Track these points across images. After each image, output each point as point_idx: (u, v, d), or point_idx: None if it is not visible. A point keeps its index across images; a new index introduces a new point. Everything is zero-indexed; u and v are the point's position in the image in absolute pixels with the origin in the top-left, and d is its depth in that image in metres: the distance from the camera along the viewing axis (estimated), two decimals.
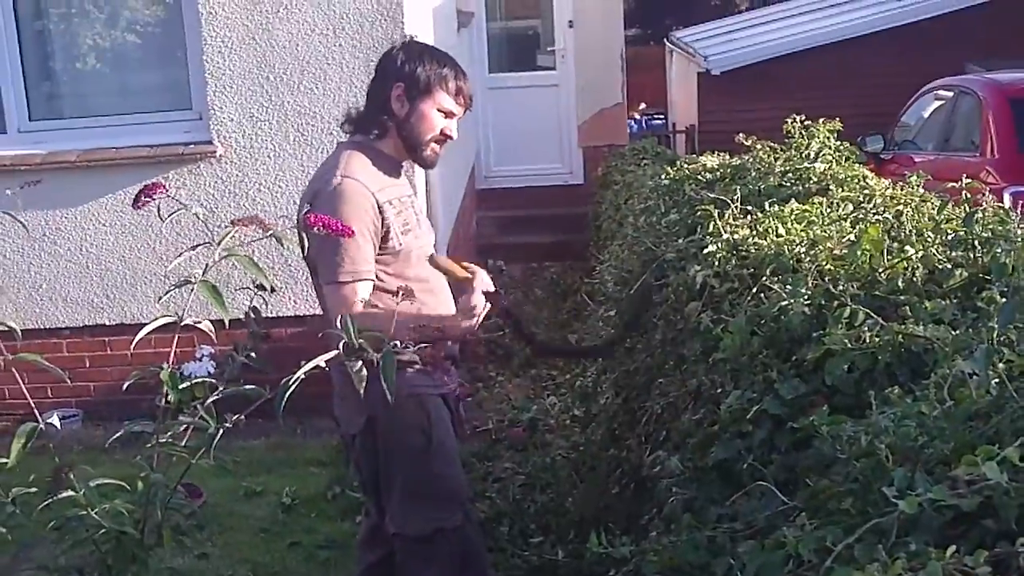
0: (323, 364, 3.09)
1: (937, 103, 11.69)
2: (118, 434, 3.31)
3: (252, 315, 3.31)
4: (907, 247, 3.03)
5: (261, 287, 3.19)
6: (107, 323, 7.69)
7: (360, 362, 2.98)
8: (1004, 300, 2.40)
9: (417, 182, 7.09)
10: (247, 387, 3.12)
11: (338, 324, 3.20)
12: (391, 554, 3.99)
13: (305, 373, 2.97)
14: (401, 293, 3.46)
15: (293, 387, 2.93)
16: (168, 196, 3.05)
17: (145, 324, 3.19)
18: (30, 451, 3.04)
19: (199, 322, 3.17)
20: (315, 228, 3.16)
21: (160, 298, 3.25)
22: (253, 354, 3.33)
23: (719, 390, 2.99)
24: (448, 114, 3.87)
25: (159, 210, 3.06)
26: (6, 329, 3.22)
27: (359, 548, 4.38)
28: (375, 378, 3.29)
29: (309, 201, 3.71)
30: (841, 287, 2.79)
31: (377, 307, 3.65)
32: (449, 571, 3.87)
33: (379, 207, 3.70)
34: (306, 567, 5.40)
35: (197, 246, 3.03)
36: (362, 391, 2.91)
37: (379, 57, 4.01)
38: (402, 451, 3.81)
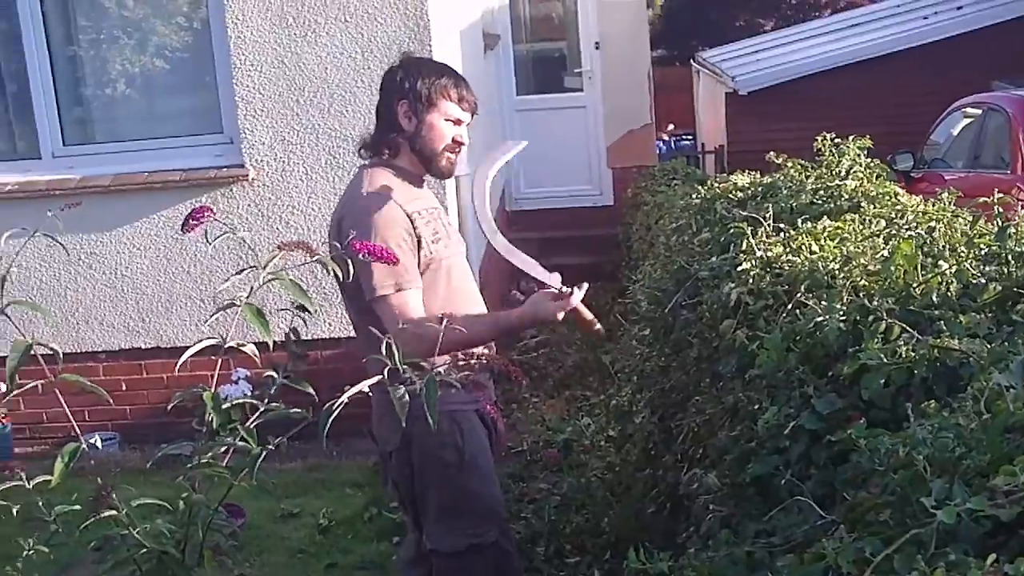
0: (366, 389, 3.12)
1: (966, 120, 11.66)
2: (159, 454, 3.36)
3: (292, 336, 3.33)
4: (940, 262, 3.04)
5: (302, 308, 3.21)
6: (143, 346, 7.77)
7: (403, 387, 3.00)
8: None
9: (450, 204, 7.14)
10: (292, 410, 3.15)
11: (396, 336, 3.22)
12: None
13: (349, 398, 3.00)
14: (442, 318, 3.50)
15: (337, 411, 2.96)
16: (215, 220, 3.08)
17: (181, 347, 3.24)
18: (70, 474, 3.08)
19: (243, 345, 3.19)
20: (360, 255, 3.20)
21: (207, 320, 3.27)
22: (292, 375, 3.36)
23: (756, 407, 3.00)
24: (456, 121, 3.92)
25: (206, 234, 3.10)
26: (45, 352, 3.25)
27: (405, 565, 4.39)
28: (411, 395, 3.33)
29: (339, 222, 3.78)
30: (876, 302, 2.80)
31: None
32: None
33: (409, 217, 3.75)
34: None
35: (243, 270, 3.06)
36: (404, 418, 2.93)
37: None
38: (436, 468, 3.84)
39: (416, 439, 3.75)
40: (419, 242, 3.75)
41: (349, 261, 3.17)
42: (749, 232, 3.92)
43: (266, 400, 3.21)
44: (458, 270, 3.96)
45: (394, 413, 2.98)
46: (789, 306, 3.22)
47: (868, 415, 2.43)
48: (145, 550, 3.14)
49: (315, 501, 6.54)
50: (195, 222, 3.04)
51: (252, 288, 3.02)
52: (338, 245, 3.26)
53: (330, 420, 2.88)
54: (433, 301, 3.78)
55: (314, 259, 3.01)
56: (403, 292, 3.69)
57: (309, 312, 3.27)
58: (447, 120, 3.89)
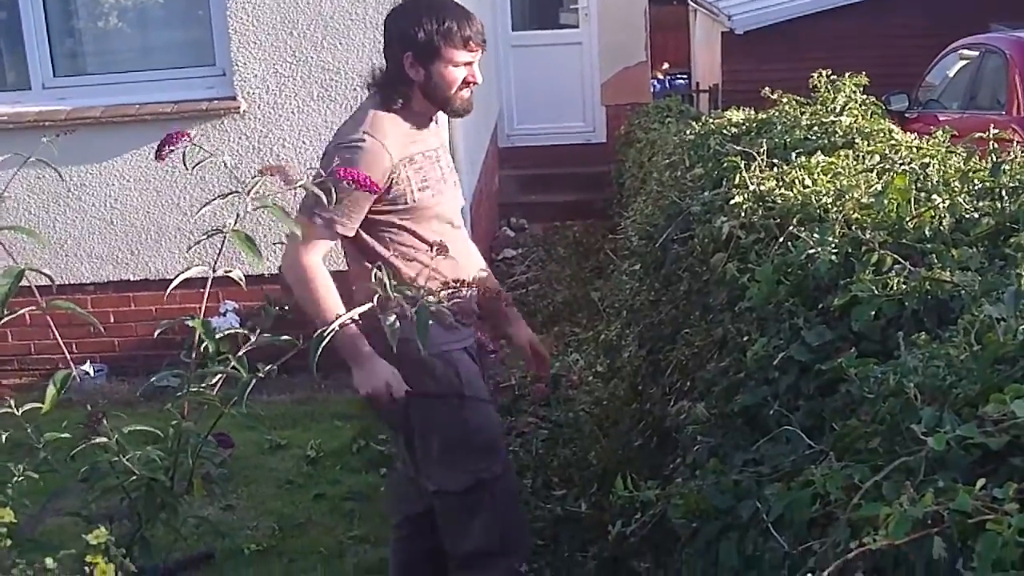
0: (356, 318, 3.11)
1: (962, 62, 11.61)
2: (147, 385, 3.35)
3: None
4: (934, 196, 3.03)
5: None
6: (131, 279, 7.75)
7: (394, 316, 2.99)
8: None
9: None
10: (281, 337, 3.14)
11: (295, 264, 3.30)
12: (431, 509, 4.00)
13: (340, 325, 2.98)
14: (436, 248, 3.48)
15: (328, 339, 2.95)
16: (193, 144, 3.05)
17: (170, 280, 3.20)
18: (58, 404, 3.06)
19: (230, 271, 3.17)
20: (344, 181, 3.18)
21: (191, 247, 3.26)
22: (286, 307, 3.35)
23: (745, 338, 2.99)
24: (466, 64, 3.78)
25: (184, 159, 3.06)
26: (36, 282, 3.23)
27: (397, 503, 4.38)
28: (400, 339, 3.31)
29: (329, 151, 3.71)
30: (868, 235, 2.79)
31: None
32: (491, 521, 3.88)
33: (393, 166, 3.68)
34: (331, 519, 5.45)
35: (227, 194, 3.02)
36: (394, 344, 2.92)
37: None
38: (436, 409, 3.81)
39: (410, 380, 3.68)
40: (390, 189, 3.67)
41: (332, 189, 3.14)
42: (742, 166, 3.91)
43: (257, 331, 3.21)
44: (444, 218, 3.87)
45: (386, 355, 2.95)
46: (781, 239, 3.21)
47: (858, 347, 2.42)
48: (133, 478, 3.15)
49: (303, 433, 6.56)
50: (169, 148, 3.00)
51: (238, 214, 2.99)
52: (322, 172, 3.24)
53: (320, 347, 2.87)
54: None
55: (296, 185, 2.98)
56: (329, 229, 3.63)
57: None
58: (455, 66, 3.74)
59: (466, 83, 3.80)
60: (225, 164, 3.12)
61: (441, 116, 3.99)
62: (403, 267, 3.70)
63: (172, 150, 3.05)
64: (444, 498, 3.90)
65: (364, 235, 3.72)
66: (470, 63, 3.79)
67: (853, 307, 2.52)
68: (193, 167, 3.05)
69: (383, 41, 3.89)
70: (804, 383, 2.56)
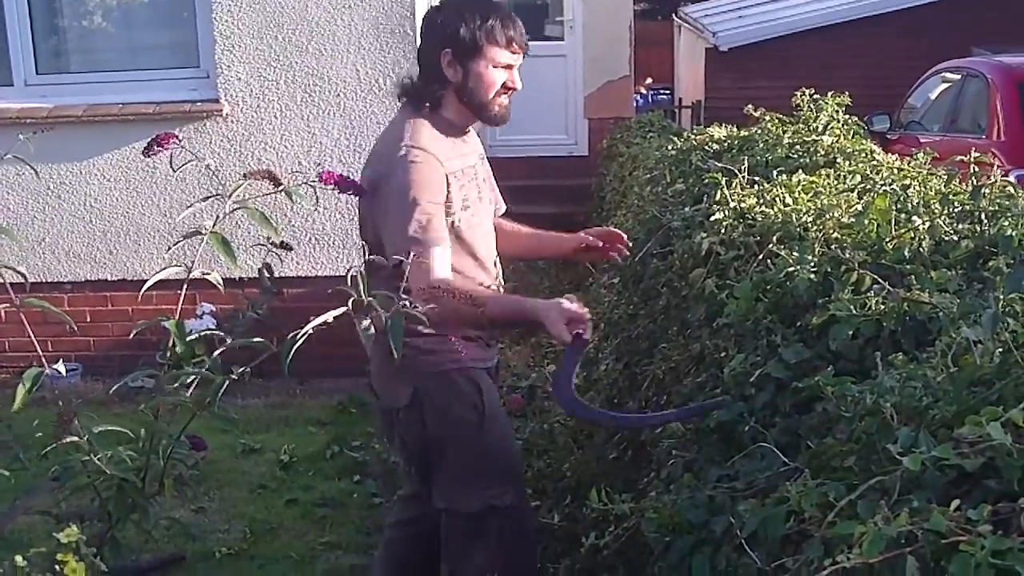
0: (331, 321, 3.09)
1: (944, 85, 11.68)
2: (121, 384, 3.33)
3: (265, 271, 3.29)
4: (914, 218, 3.03)
5: (282, 245, 3.18)
6: (109, 278, 7.72)
7: (368, 320, 2.97)
8: (1011, 270, 2.40)
9: None
10: (254, 340, 3.12)
11: (418, 295, 3.16)
12: (431, 527, 3.85)
13: (313, 328, 2.97)
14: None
15: (300, 342, 2.94)
16: (180, 146, 3.04)
17: (147, 280, 3.18)
18: (30, 403, 3.04)
19: (208, 273, 3.16)
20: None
21: (170, 248, 3.24)
22: (263, 309, 3.33)
23: (723, 354, 3.00)
24: (506, 67, 3.60)
25: (171, 161, 3.05)
26: (10, 281, 3.21)
27: (395, 524, 4.25)
28: (422, 351, 3.24)
29: (375, 171, 3.54)
30: (848, 254, 2.79)
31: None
32: (496, 549, 3.68)
33: (447, 178, 3.51)
34: (302, 524, 5.42)
35: (208, 197, 3.02)
36: (367, 347, 2.88)
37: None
38: (455, 427, 3.62)
39: (430, 396, 3.56)
40: (449, 206, 3.51)
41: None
42: (724, 183, 3.91)
43: (236, 332, 3.19)
44: (479, 238, 3.68)
45: (401, 368, 2.84)
46: (760, 257, 3.21)
47: (835, 366, 2.43)
48: (105, 477, 3.13)
49: (277, 438, 6.55)
50: (159, 148, 2.99)
51: (218, 217, 2.98)
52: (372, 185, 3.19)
53: (293, 349, 2.86)
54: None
55: (279, 189, 2.98)
56: (435, 249, 3.42)
57: (282, 246, 3.24)
58: (495, 67, 3.57)
59: (505, 88, 3.63)
60: (209, 168, 3.11)
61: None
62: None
63: (160, 149, 3.05)
64: (451, 517, 3.73)
65: None
66: (511, 66, 3.62)
67: (831, 326, 2.53)
68: (178, 169, 3.05)
69: (419, 39, 3.70)
70: (780, 400, 2.56)
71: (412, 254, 3.23)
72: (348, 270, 3.04)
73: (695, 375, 3.25)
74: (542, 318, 3.32)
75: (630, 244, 4.10)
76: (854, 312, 2.50)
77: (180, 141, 3.04)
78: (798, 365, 2.59)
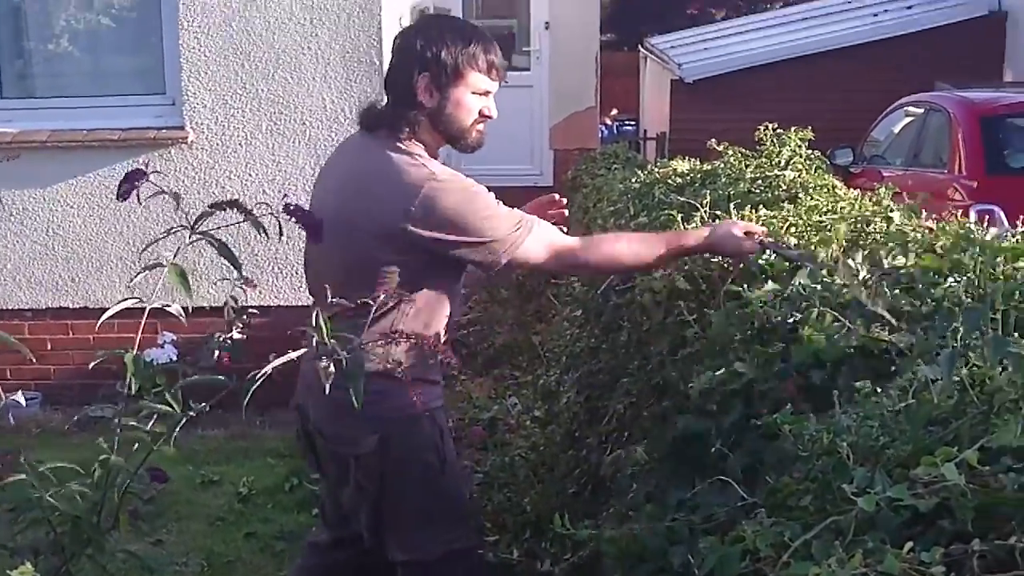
0: (294, 358, 3.05)
1: (907, 119, 11.77)
2: (80, 416, 3.30)
3: (232, 303, 3.25)
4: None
5: (245, 281, 3.15)
6: (71, 306, 7.67)
7: (328, 360, 2.92)
8: (969, 308, 2.41)
9: None
10: (213, 376, 3.10)
11: (582, 264, 3.48)
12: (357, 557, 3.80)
13: (274, 368, 2.95)
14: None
15: (260, 381, 2.91)
16: (149, 181, 3.02)
17: (108, 309, 3.16)
18: None
19: (168, 305, 3.14)
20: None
21: (132, 280, 3.21)
22: (228, 342, 3.29)
23: (689, 386, 2.99)
24: (484, 93, 3.50)
25: (138, 194, 3.03)
26: None
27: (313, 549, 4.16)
28: (387, 394, 3.15)
29: (408, 209, 3.35)
30: (806, 291, 2.80)
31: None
32: None
33: None
34: (261, 558, 5.39)
35: (172, 230, 3.00)
36: (328, 387, 2.77)
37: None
38: (416, 472, 3.52)
39: (395, 442, 3.44)
40: None
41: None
42: (680, 219, 3.93)
43: (199, 365, 3.17)
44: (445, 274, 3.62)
45: (362, 413, 2.74)
46: (723, 291, 3.22)
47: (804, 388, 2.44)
48: (58, 513, 3.10)
49: (236, 470, 6.50)
50: (129, 186, 2.97)
51: (179, 248, 2.97)
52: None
53: (252, 389, 2.83)
54: (440, 301, 3.59)
55: (246, 219, 2.96)
56: (535, 228, 3.53)
57: (252, 285, 3.21)
58: (475, 93, 3.47)
59: (482, 116, 3.53)
60: (176, 199, 3.08)
61: None
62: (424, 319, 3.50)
63: (133, 188, 3.03)
64: (412, 570, 3.63)
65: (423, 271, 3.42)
66: (488, 93, 3.53)
67: (795, 346, 2.54)
68: (144, 200, 3.03)
69: (391, 62, 3.58)
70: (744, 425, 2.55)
71: (520, 242, 3.43)
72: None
73: (657, 404, 3.25)
74: (718, 249, 3.48)
75: (565, 201, 4.26)
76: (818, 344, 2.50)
77: (149, 177, 3.01)
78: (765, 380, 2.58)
